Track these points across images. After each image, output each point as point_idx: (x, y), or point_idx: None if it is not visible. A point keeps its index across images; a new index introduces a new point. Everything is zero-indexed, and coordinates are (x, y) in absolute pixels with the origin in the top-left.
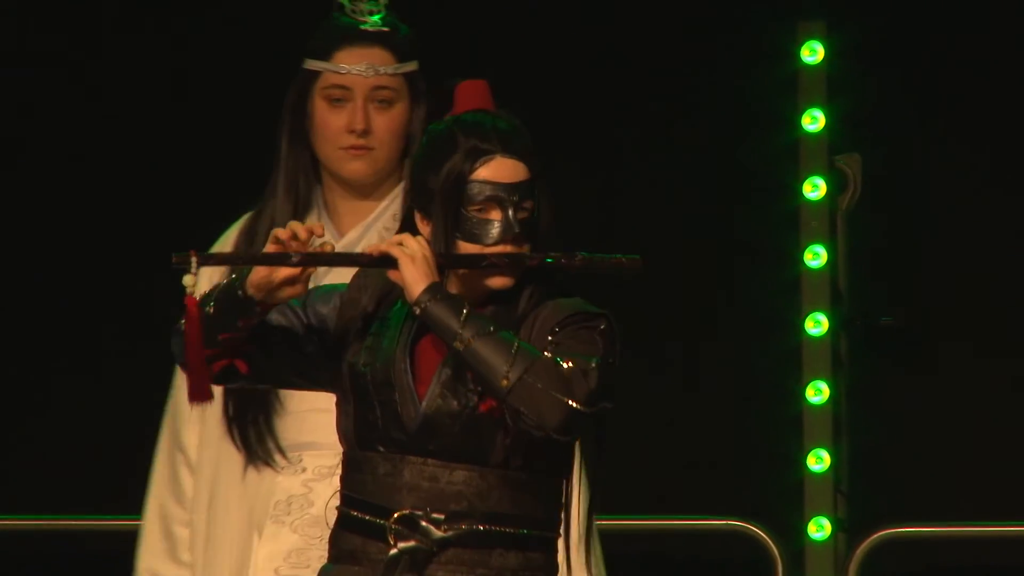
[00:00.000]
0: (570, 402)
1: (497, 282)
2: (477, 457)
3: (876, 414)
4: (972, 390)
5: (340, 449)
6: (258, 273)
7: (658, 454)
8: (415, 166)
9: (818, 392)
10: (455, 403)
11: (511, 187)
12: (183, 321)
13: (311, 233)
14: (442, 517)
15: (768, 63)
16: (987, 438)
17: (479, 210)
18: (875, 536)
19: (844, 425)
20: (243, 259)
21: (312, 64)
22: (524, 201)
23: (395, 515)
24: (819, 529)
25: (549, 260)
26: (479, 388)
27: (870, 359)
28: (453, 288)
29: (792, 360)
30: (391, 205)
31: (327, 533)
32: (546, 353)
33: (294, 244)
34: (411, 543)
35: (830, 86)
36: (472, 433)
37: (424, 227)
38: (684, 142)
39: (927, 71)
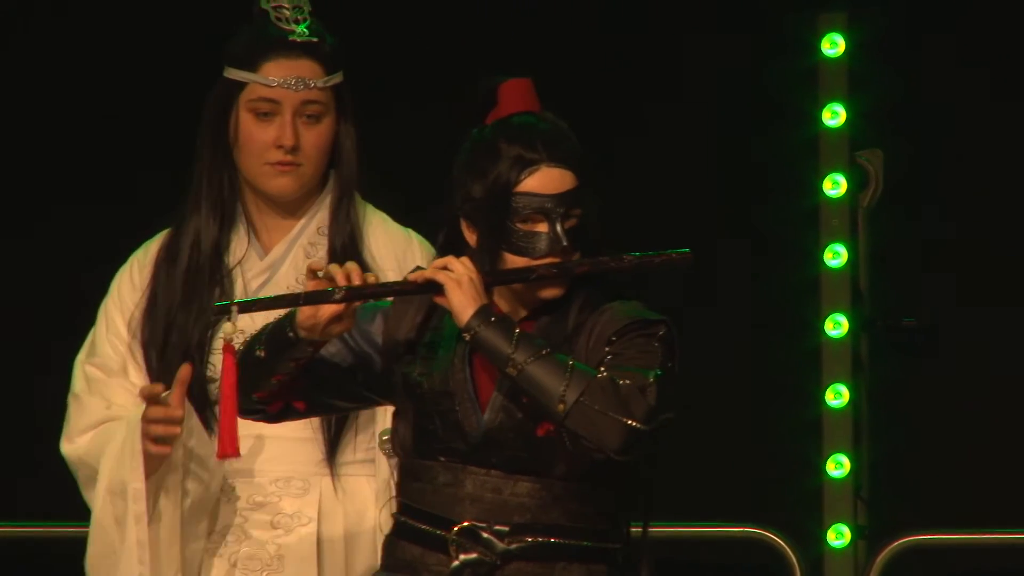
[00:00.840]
0: (629, 422)
1: (547, 292)
2: (540, 469)
3: (897, 418)
4: (995, 394)
5: (274, 477)
6: (304, 313)
7: (675, 460)
8: (459, 171)
9: (838, 395)
10: (519, 415)
11: (558, 197)
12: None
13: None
14: (506, 529)
15: (788, 56)
16: (1010, 443)
17: (525, 222)
18: (896, 543)
19: (864, 430)
20: (285, 301)
21: (236, 74)
22: (572, 209)
23: (457, 527)
24: (839, 536)
25: (596, 266)
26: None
27: (891, 361)
28: (502, 301)
29: (811, 362)
30: (314, 219)
31: (267, 567)
32: (602, 370)
33: (337, 277)
34: (473, 555)
35: (851, 80)
36: (535, 446)
37: (470, 235)
38: (702, 137)
39: (950, 64)
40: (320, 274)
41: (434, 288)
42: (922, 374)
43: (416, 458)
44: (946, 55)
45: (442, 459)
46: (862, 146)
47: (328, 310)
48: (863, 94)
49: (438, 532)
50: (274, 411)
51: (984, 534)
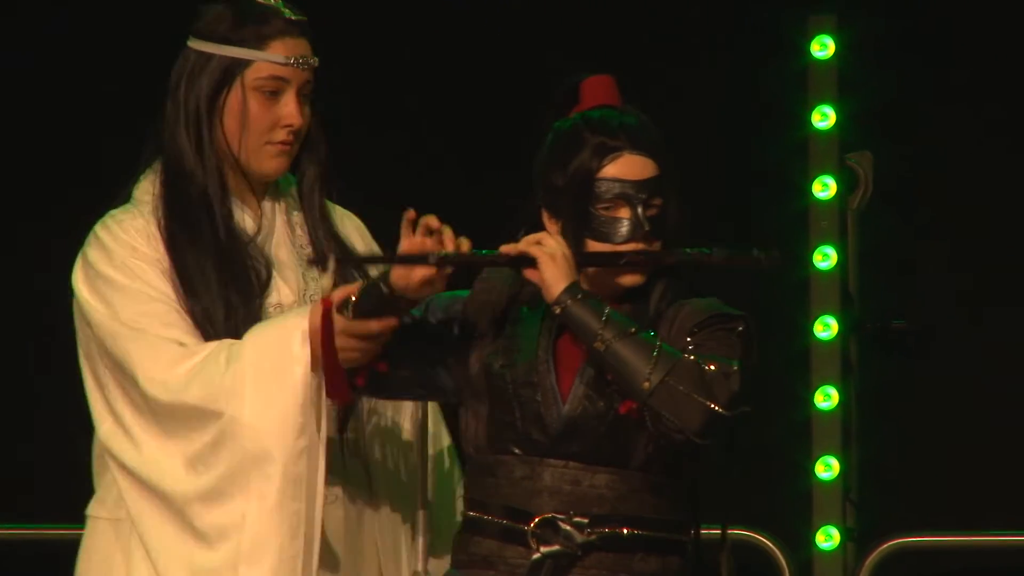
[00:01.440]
0: (712, 405)
1: (629, 279)
2: (619, 459)
3: (887, 421)
4: (984, 396)
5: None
6: (398, 271)
7: None
8: (541, 164)
9: (827, 398)
10: (601, 404)
11: (639, 184)
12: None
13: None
14: (585, 521)
15: (777, 58)
16: (1000, 445)
17: (607, 208)
18: (885, 546)
19: (854, 432)
20: (382, 259)
21: (236, 52)
22: (653, 198)
23: (536, 519)
24: (828, 539)
25: (687, 256)
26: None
27: (881, 364)
28: (584, 286)
29: (801, 365)
30: (281, 198)
31: None
32: (687, 354)
33: (429, 241)
34: (555, 547)
35: (841, 82)
36: (615, 435)
37: (552, 226)
38: (690, 139)
39: (940, 66)
40: (413, 220)
41: (527, 261)
42: (912, 376)
43: (490, 453)
44: (936, 57)
45: (517, 452)
46: (852, 148)
47: (420, 272)
48: (853, 96)
49: (517, 525)
50: (361, 384)
51: (973, 536)
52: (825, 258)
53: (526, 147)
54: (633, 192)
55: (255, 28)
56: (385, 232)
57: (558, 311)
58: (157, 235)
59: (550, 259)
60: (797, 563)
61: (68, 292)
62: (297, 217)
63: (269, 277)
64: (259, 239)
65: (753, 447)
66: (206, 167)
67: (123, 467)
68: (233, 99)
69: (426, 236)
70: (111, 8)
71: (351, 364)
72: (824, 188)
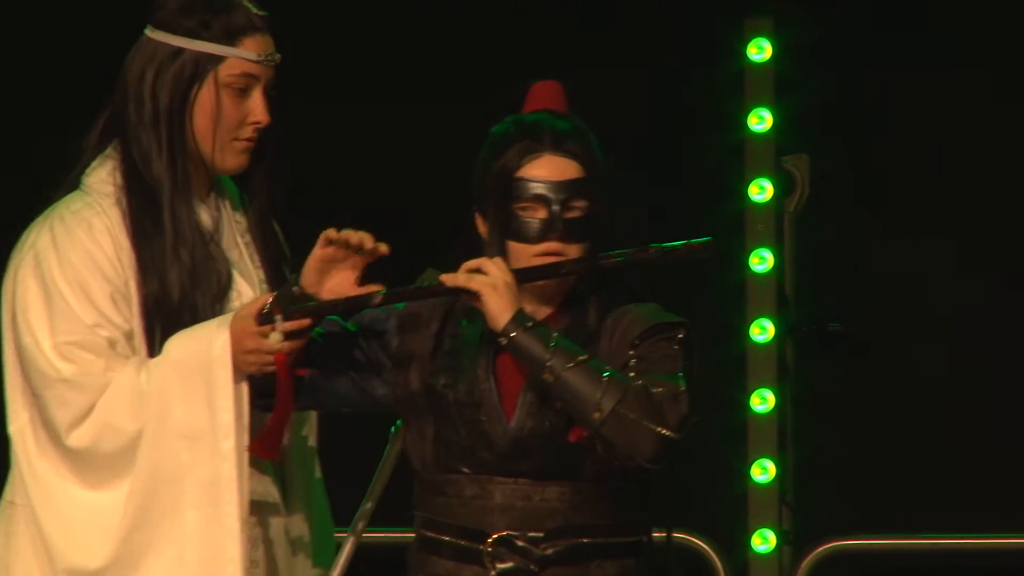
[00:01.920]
0: (663, 431)
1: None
2: (569, 472)
3: (823, 423)
4: (920, 398)
5: None
6: (308, 277)
7: None
8: (476, 167)
9: (763, 400)
10: (547, 422)
11: (557, 185)
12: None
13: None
14: (540, 535)
15: (714, 61)
16: (935, 448)
17: (525, 208)
18: (821, 548)
19: (790, 435)
20: (327, 308)
21: (207, 47)
22: (573, 200)
23: (491, 538)
24: (764, 541)
25: (623, 258)
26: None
27: (817, 366)
28: (523, 295)
29: (737, 368)
30: (224, 191)
31: None
32: (632, 375)
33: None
34: (510, 564)
35: (777, 85)
36: (564, 451)
37: (483, 227)
38: (625, 142)
39: (876, 69)
40: (333, 240)
41: (470, 293)
42: (848, 379)
43: (438, 472)
44: (872, 59)
45: (466, 471)
46: (788, 151)
47: (334, 276)
48: (789, 99)
49: (472, 545)
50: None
51: (908, 539)
52: (761, 261)
53: (469, 154)
54: (549, 193)
55: (225, 23)
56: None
57: (504, 343)
58: (122, 228)
59: (492, 290)
60: (733, 566)
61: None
62: (239, 217)
63: (230, 277)
64: (217, 237)
65: (689, 450)
66: (174, 165)
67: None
68: (205, 96)
69: (345, 249)
70: None
71: (267, 370)
72: (760, 191)
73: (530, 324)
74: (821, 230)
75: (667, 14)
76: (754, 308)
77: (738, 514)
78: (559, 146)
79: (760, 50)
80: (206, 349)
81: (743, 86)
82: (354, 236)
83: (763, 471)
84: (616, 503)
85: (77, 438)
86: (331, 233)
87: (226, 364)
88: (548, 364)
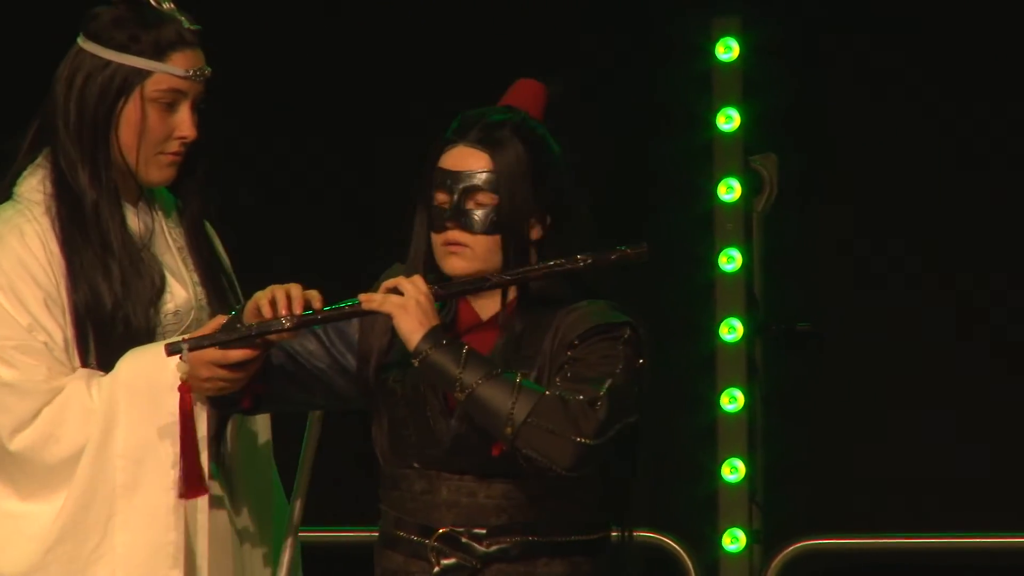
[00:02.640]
0: (579, 439)
1: (449, 265)
2: (513, 470)
3: (792, 423)
4: (890, 397)
5: None
6: (250, 313)
7: None
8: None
9: (733, 400)
10: None
11: (460, 175)
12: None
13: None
14: (483, 532)
15: (681, 60)
16: (904, 447)
17: (436, 198)
18: (791, 548)
19: (759, 434)
20: (237, 336)
21: (135, 61)
22: (476, 192)
23: (436, 533)
24: (734, 541)
25: (551, 270)
26: None
27: (786, 365)
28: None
29: (706, 367)
30: (155, 201)
31: None
32: (556, 381)
33: (279, 307)
34: (453, 561)
35: (746, 84)
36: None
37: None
38: (593, 141)
39: (844, 69)
40: (263, 302)
41: (382, 314)
42: (817, 378)
43: (394, 466)
44: (840, 59)
45: (416, 466)
46: (756, 151)
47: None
48: (757, 99)
49: (419, 540)
50: (248, 406)
51: (879, 538)
52: (730, 260)
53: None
54: (450, 182)
55: (154, 37)
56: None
57: (416, 363)
58: (52, 234)
59: (402, 311)
60: (703, 565)
61: None
62: (172, 224)
63: (164, 281)
64: (148, 243)
65: (659, 449)
66: (97, 175)
67: None
68: (131, 109)
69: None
70: None
71: (221, 392)
72: (729, 190)
73: (444, 342)
74: (789, 229)
75: (635, 13)
76: (723, 307)
77: (708, 513)
78: (475, 138)
79: (728, 49)
80: (157, 374)
81: (711, 85)
82: (279, 293)
83: (733, 470)
84: (566, 501)
85: (19, 442)
86: (262, 302)
87: (175, 391)
88: (458, 381)
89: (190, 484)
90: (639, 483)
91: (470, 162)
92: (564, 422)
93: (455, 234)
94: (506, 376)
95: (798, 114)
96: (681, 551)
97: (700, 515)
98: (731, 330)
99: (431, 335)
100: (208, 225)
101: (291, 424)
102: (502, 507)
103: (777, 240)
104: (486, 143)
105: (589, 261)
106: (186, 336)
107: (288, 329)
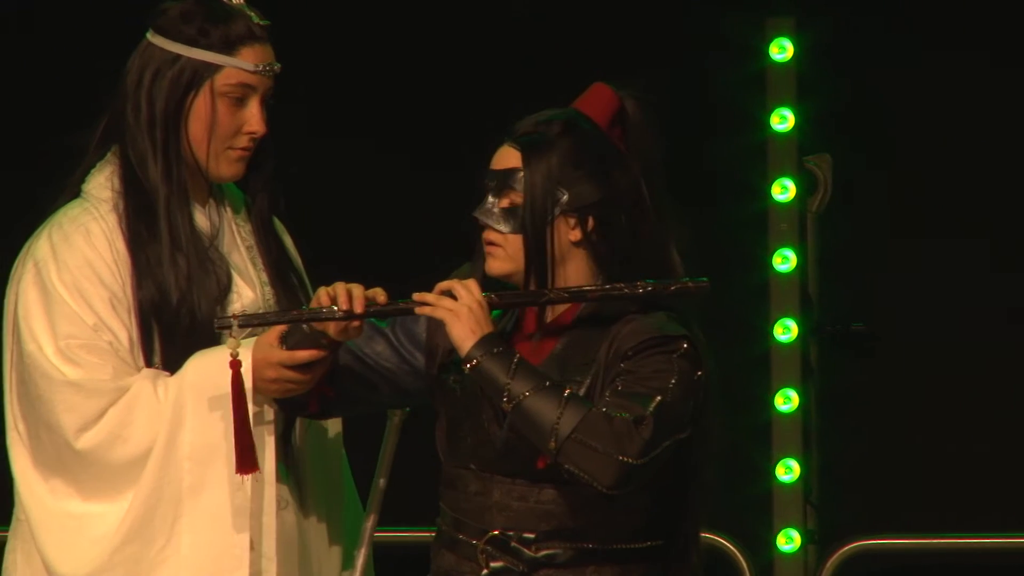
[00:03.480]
0: (622, 458)
1: (490, 266)
2: (562, 477)
3: (846, 422)
4: (944, 397)
5: None
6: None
7: None
8: None
9: (787, 400)
10: None
11: (496, 174)
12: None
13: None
14: (532, 537)
15: (736, 61)
16: (959, 447)
17: (484, 197)
18: (845, 548)
19: (814, 434)
20: (288, 318)
21: (205, 55)
22: (510, 192)
23: (486, 535)
24: (788, 541)
25: (611, 292)
26: None
27: (840, 366)
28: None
29: (761, 367)
30: (225, 199)
31: None
32: (607, 393)
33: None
34: (500, 564)
35: (800, 84)
36: None
37: None
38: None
39: (898, 68)
40: (323, 294)
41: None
42: (871, 378)
43: (451, 465)
44: (894, 58)
45: (472, 467)
46: (811, 151)
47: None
48: (811, 99)
49: (471, 541)
50: (315, 409)
51: (933, 538)
52: (785, 261)
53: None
54: (490, 181)
55: (224, 32)
56: (327, 243)
57: (467, 369)
58: (119, 232)
59: (454, 317)
60: (758, 566)
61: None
62: (241, 221)
63: (229, 279)
64: (216, 241)
65: (716, 451)
66: (168, 170)
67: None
68: (200, 104)
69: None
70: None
71: (291, 394)
72: (783, 191)
73: (496, 350)
74: (844, 229)
75: (689, 14)
76: (777, 308)
77: (763, 514)
78: (515, 138)
79: (782, 49)
80: (223, 376)
81: (765, 86)
82: (343, 294)
83: (787, 471)
84: (617, 509)
85: (86, 441)
86: (322, 294)
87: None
88: (506, 391)
89: (243, 461)
90: (700, 495)
91: (506, 161)
92: (608, 440)
93: (489, 233)
94: (555, 389)
95: (852, 113)
96: (736, 551)
97: (755, 515)
98: (785, 330)
99: (483, 343)
100: (278, 222)
101: (364, 423)
102: (552, 512)
103: (831, 240)
104: (523, 143)
105: (649, 289)
106: (235, 313)
107: (338, 318)
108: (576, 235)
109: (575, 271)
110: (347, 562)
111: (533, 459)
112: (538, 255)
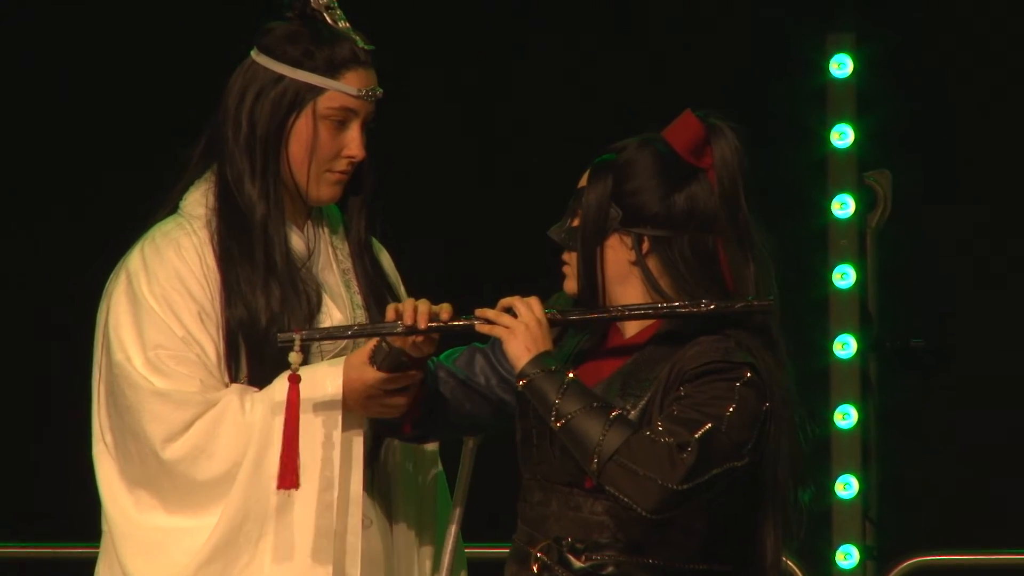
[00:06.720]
0: (664, 483)
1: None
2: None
3: (906, 439)
4: (1003, 414)
5: None
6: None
7: None
8: None
9: (846, 416)
10: None
11: (576, 192)
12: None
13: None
14: (583, 547)
15: (796, 76)
16: (1017, 463)
17: None
18: (904, 564)
19: (873, 450)
20: (351, 333)
21: (310, 78)
22: (575, 208)
23: (540, 544)
24: (847, 557)
25: (677, 310)
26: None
27: (900, 382)
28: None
29: (820, 383)
30: (323, 220)
31: None
32: (657, 424)
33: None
34: (551, 573)
35: (859, 100)
36: None
37: None
38: None
39: (958, 84)
40: (390, 310)
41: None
42: (930, 394)
43: (525, 476)
44: (953, 74)
45: (539, 477)
46: (870, 167)
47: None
48: (871, 115)
49: (528, 549)
50: (408, 431)
51: (992, 555)
52: (844, 277)
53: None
54: (571, 200)
55: (329, 55)
56: (421, 264)
57: (520, 386)
58: (210, 248)
59: (510, 334)
60: None
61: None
62: (339, 243)
63: (320, 301)
64: (309, 263)
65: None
66: (266, 190)
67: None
68: (302, 125)
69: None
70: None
71: (385, 415)
72: (843, 207)
73: (552, 368)
74: (904, 246)
75: (749, 30)
76: (837, 324)
77: (822, 530)
78: (595, 158)
79: (841, 66)
80: (314, 395)
81: (825, 102)
82: (409, 309)
83: (846, 487)
84: (674, 526)
85: (172, 451)
86: (389, 310)
87: (334, 411)
88: (554, 410)
89: (285, 475)
90: (780, 519)
91: (582, 181)
92: (651, 464)
93: (565, 253)
94: (602, 410)
95: (912, 129)
96: (795, 568)
97: (814, 531)
98: (845, 346)
99: (536, 361)
100: (377, 244)
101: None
102: (604, 524)
103: (891, 256)
104: (593, 163)
105: (712, 307)
106: (299, 328)
107: (399, 333)
108: (632, 255)
109: (633, 291)
110: None
111: (584, 474)
112: (588, 272)
